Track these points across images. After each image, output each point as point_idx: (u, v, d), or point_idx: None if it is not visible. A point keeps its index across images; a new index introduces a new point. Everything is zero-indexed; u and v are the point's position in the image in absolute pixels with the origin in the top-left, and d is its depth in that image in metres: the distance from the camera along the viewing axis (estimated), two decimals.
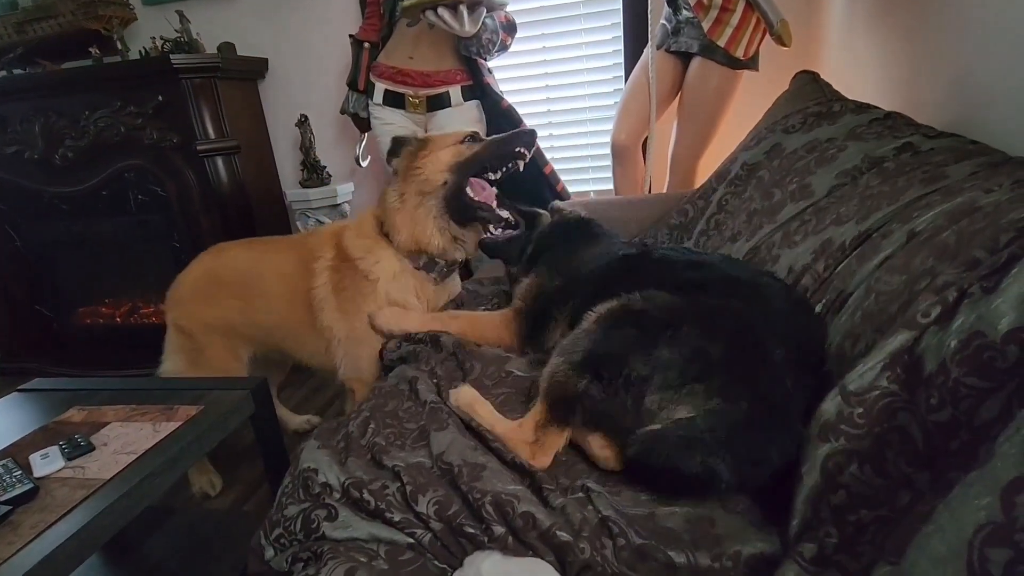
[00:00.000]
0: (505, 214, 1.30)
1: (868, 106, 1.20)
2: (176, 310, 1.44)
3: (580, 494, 0.72)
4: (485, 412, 0.89)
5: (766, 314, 0.79)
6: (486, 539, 0.67)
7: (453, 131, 1.36)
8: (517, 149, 1.28)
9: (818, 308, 0.85)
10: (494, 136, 1.32)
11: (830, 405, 0.62)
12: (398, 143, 1.34)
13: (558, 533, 0.65)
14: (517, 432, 0.82)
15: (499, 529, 0.67)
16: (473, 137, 1.32)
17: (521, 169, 1.33)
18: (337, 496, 0.75)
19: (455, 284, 1.48)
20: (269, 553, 0.74)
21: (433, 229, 1.29)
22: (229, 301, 1.39)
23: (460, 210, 1.28)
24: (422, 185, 1.27)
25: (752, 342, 0.75)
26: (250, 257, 1.43)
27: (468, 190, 1.27)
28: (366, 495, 0.73)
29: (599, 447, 0.78)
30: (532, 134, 1.30)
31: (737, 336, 0.75)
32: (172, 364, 1.47)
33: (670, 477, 0.70)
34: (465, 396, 0.93)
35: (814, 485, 0.59)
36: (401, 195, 1.29)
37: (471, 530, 0.68)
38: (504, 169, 1.30)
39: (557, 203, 1.51)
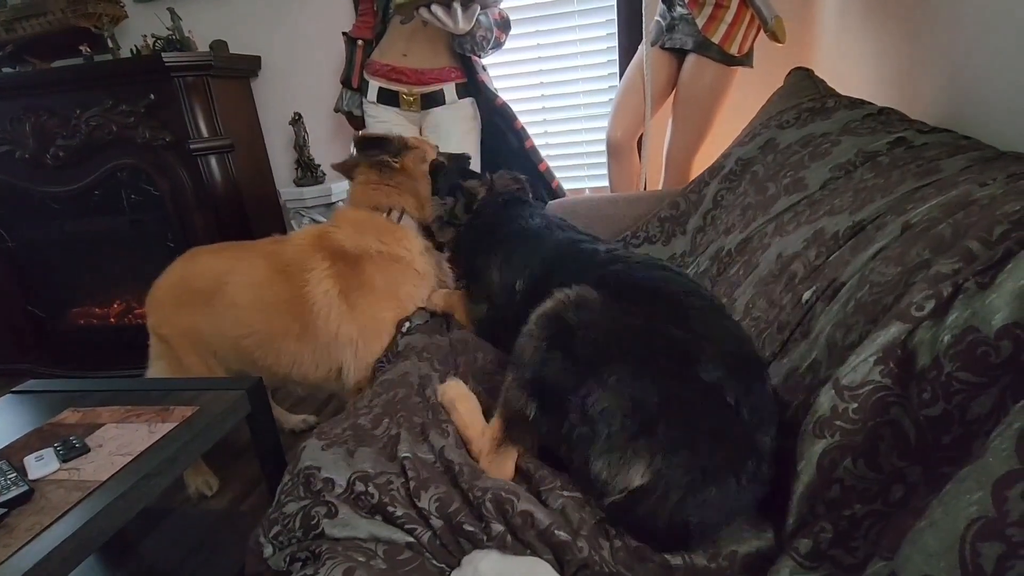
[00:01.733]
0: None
1: (862, 102, 1.21)
2: (153, 316, 1.44)
3: (578, 494, 0.72)
4: (464, 410, 0.89)
5: (693, 327, 0.75)
6: (484, 537, 0.68)
7: (421, 140, 1.55)
8: None
9: (807, 295, 0.83)
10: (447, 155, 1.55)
11: (824, 399, 0.62)
12: (387, 140, 1.46)
13: (556, 532, 0.65)
14: (479, 441, 0.83)
15: (498, 528, 0.67)
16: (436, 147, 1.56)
17: None
18: (338, 492, 0.75)
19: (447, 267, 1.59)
20: (268, 551, 0.74)
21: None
22: (202, 307, 1.38)
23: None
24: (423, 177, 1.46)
25: (687, 372, 0.69)
26: (224, 263, 1.41)
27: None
28: (371, 488, 0.73)
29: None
30: (468, 157, 1.60)
31: (672, 369, 0.70)
32: (155, 370, 1.48)
33: (642, 535, 0.67)
34: (450, 391, 0.93)
35: (809, 482, 0.59)
36: (421, 183, 1.47)
37: (470, 528, 0.68)
38: None
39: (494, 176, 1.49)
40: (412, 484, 0.73)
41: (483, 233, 1.28)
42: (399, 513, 0.71)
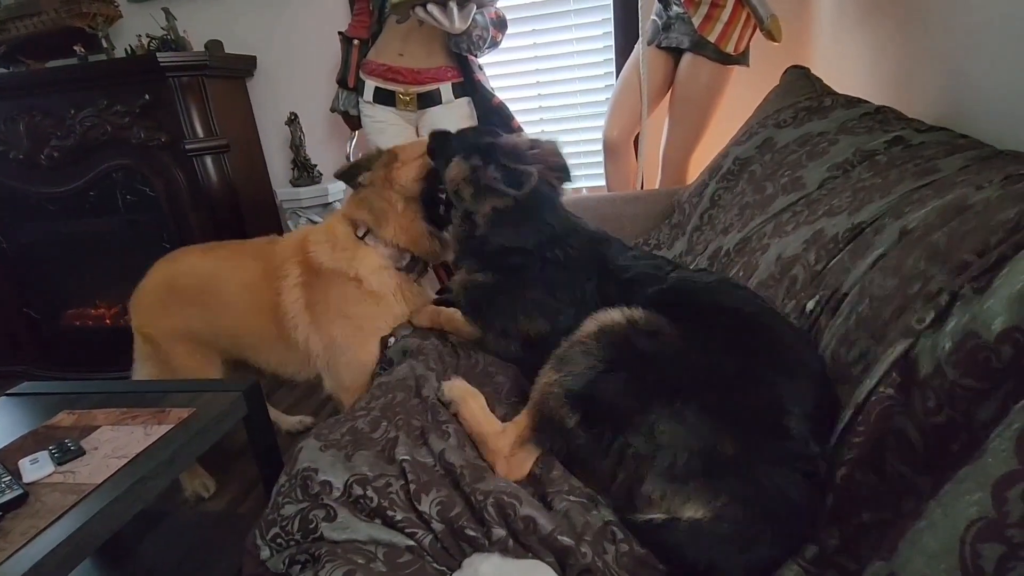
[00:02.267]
0: None
1: (859, 100, 1.21)
2: (138, 317, 1.44)
3: (584, 499, 0.72)
4: (476, 406, 0.87)
5: (780, 364, 0.70)
6: (486, 542, 0.67)
7: (415, 144, 1.37)
8: None
9: (810, 305, 0.84)
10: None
11: (841, 419, 0.63)
12: (361, 165, 1.34)
13: (559, 537, 0.65)
14: (497, 439, 0.80)
15: (499, 532, 0.67)
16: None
17: None
18: (337, 495, 0.75)
19: (428, 290, 1.48)
20: (265, 553, 0.74)
21: (423, 230, 1.32)
22: (188, 309, 1.38)
23: (435, 215, 1.32)
24: (403, 191, 1.31)
25: (771, 421, 0.65)
26: (208, 264, 1.41)
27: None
28: (369, 492, 0.73)
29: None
30: None
31: (757, 418, 0.66)
32: (142, 371, 1.48)
33: (673, 563, 0.65)
34: (458, 389, 0.91)
35: (831, 506, 0.59)
36: (388, 200, 1.31)
37: (472, 532, 0.68)
38: None
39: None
40: (412, 487, 0.72)
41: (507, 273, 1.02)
42: (399, 517, 0.70)
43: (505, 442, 0.79)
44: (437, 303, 1.33)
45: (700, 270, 1.12)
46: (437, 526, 0.69)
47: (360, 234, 1.33)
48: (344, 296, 1.30)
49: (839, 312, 0.77)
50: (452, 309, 1.21)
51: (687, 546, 0.63)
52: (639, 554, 0.64)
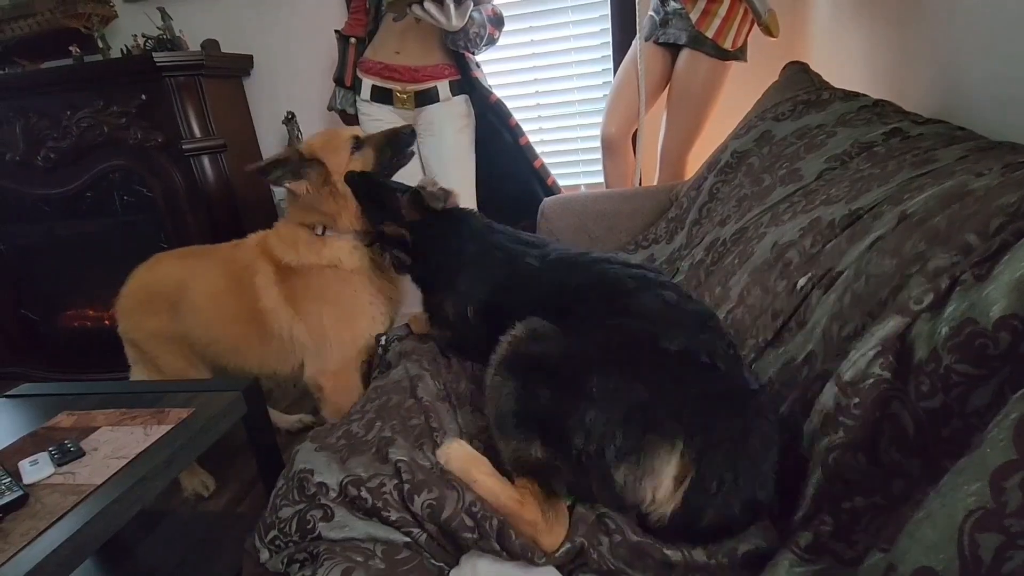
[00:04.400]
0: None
1: (856, 94, 1.21)
2: (122, 323, 1.47)
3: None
4: (485, 476, 0.75)
5: (638, 311, 0.78)
6: (478, 537, 0.67)
7: (331, 135, 1.40)
8: (408, 150, 1.46)
9: (802, 281, 0.83)
10: (378, 140, 1.43)
11: (828, 396, 0.62)
12: (281, 164, 1.33)
13: None
14: (525, 512, 0.69)
15: (491, 529, 0.67)
16: (356, 139, 1.39)
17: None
18: (333, 496, 0.75)
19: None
20: (264, 555, 0.74)
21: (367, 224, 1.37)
22: (163, 315, 1.40)
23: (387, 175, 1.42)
24: (348, 194, 1.34)
25: (655, 353, 0.71)
26: (181, 271, 1.43)
27: None
28: (363, 493, 0.73)
29: None
30: (412, 133, 1.47)
31: (641, 358, 0.71)
32: (136, 375, 1.51)
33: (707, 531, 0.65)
34: (456, 459, 0.78)
35: (818, 482, 0.59)
36: (336, 204, 1.35)
37: (466, 535, 0.68)
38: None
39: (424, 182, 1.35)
40: (407, 487, 0.72)
41: (431, 269, 1.19)
42: (393, 517, 0.70)
43: (533, 513, 0.69)
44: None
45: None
46: (429, 527, 0.69)
47: (319, 232, 1.37)
48: (325, 284, 1.35)
49: (833, 288, 0.76)
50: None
51: (690, 518, 0.64)
52: (633, 542, 0.64)
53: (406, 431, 0.88)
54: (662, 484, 0.65)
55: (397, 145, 1.45)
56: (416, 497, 0.71)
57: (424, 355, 1.12)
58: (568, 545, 0.65)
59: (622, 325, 0.77)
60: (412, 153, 1.48)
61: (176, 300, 1.39)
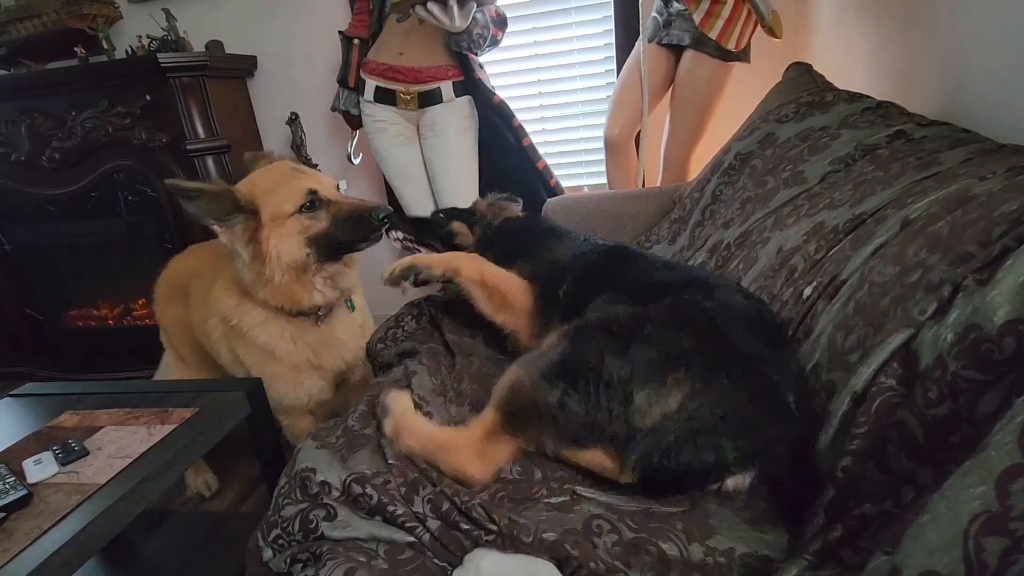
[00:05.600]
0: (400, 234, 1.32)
1: (860, 96, 1.20)
2: (155, 307, 1.53)
3: (567, 498, 0.72)
4: (418, 420, 0.80)
5: (727, 307, 0.83)
6: (482, 533, 0.67)
7: (283, 179, 1.15)
8: (374, 236, 1.17)
9: (807, 291, 0.84)
10: (342, 209, 1.16)
11: (836, 406, 0.63)
12: (208, 196, 1.07)
13: (544, 535, 0.64)
14: (463, 437, 0.76)
15: (492, 527, 0.67)
16: (312, 196, 1.13)
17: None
18: (336, 495, 0.75)
19: (352, 318, 1.36)
20: (267, 555, 0.74)
21: (313, 291, 1.20)
22: (180, 303, 1.44)
23: (336, 250, 1.19)
24: (287, 262, 1.13)
25: (717, 331, 0.77)
26: (197, 263, 1.46)
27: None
28: (368, 490, 0.72)
29: (601, 460, 0.75)
30: (385, 219, 1.16)
31: (703, 326, 0.78)
32: (165, 358, 1.59)
33: (682, 475, 0.70)
34: (398, 406, 0.82)
35: (832, 498, 0.59)
36: (262, 276, 1.13)
37: (467, 527, 0.68)
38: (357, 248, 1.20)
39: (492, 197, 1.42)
40: (403, 490, 0.72)
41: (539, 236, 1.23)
42: (399, 512, 0.70)
43: (472, 438, 0.75)
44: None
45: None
46: (433, 523, 0.69)
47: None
48: (241, 341, 1.26)
49: (837, 298, 0.76)
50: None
51: (682, 448, 0.68)
52: (628, 539, 0.64)
53: None
54: (671, 409, 0.70)
55: (362, 227, 1.15)
56: (415, 496, 0.71)
57: (425, 355, 1.12)
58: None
59: (695, 300, 0.84)
60: (377, 239, 1.19)
61: (186, 291, 1.43)
